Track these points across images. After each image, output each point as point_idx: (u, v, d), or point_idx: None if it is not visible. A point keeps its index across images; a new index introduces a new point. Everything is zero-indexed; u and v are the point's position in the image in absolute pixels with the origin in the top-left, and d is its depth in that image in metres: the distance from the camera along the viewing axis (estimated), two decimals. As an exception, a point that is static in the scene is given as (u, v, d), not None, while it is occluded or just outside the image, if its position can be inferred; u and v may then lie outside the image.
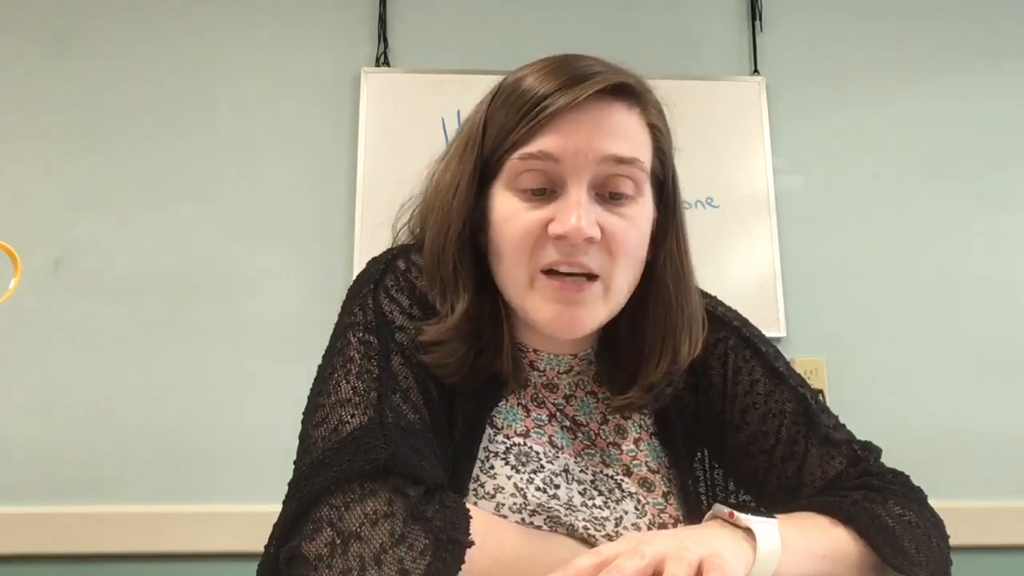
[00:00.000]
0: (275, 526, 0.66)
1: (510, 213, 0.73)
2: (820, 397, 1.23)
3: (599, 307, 0.74)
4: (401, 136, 1.89)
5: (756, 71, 2.02)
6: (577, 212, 0.70)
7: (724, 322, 0.87)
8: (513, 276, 0.74)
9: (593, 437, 0.82)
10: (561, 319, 0.73)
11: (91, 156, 1.85)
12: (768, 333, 0.92)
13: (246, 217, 1.85)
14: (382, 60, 1.95)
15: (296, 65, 1.94)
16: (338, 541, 0.60)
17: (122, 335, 1.76)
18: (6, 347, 1.73)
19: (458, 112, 1.90)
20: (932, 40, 2.08)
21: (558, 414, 0.82)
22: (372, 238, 1.82)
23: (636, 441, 0.83)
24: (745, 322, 0.89)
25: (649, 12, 2.05)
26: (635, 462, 0.82)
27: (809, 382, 0.88)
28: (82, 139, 1.86)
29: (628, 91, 0.74)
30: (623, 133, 0.73)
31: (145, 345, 1.76)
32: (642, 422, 0.85)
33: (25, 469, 1.68)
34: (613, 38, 2.01)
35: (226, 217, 1.85)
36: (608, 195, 0.73)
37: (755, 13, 2.05)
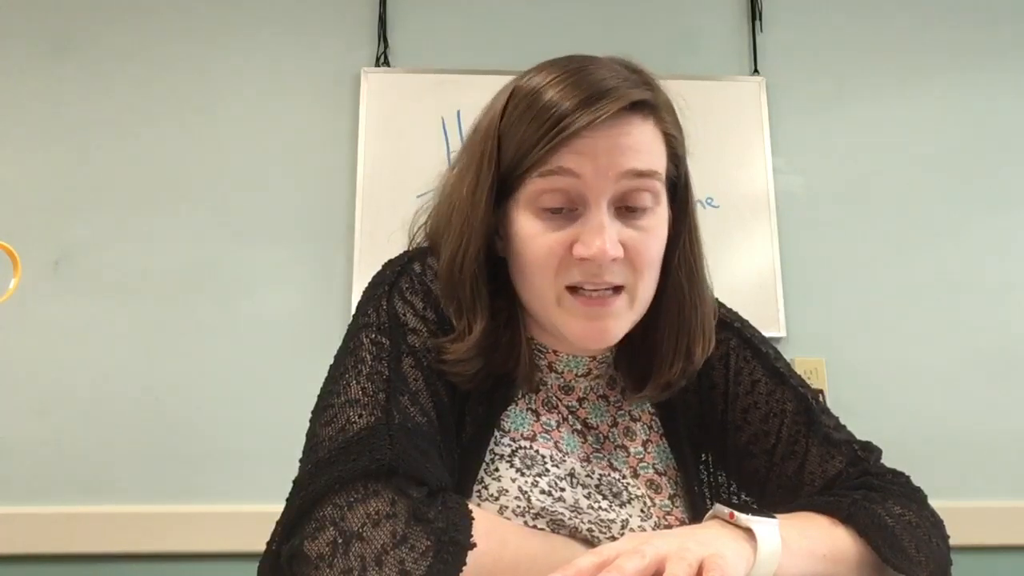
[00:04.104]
0: (278, 523, 0.66)
1: (533, 234, 0.73)
2: (820, 397, 1.23)
3: (626, 317, 0.75)
4: (401, 136, 1.89)
5: (756, 71, 2.03)
6: (601, 236, 0.70)
7: (725, 323, 0.87)
8: (538, 293, 0.75)
9: (602, 440, 0.82)
10: (590, 332, 0.74)
11: (91, 156, 1.85)
12: (768, 333, 0.93)
13: (246, 217, 1.85)
14: (382, 60, 1.95)
15: (296, 65, 1.94)
16: (340, 541, 0.60)
17: (122, 335, 1.76)
18: (6, 347, 1.73)
19: (458, 112, 1.90)
20: (932, 40, 2.08)
21: (570, 417, 0.82)
22: (372, 238, 1.82)
23: (644, 443, 0.84)
24: (745, 323, 0.90)
25: (649, 12, 2.05)
26: (642, 464, 0.82)
27: (809, 382, 0.88)
28: (82, 140, 1.86)
29: (643, 103, 0.74)
30: (640, 147, 0.73)
31: (145, 345, 1.76)
32: (652, 423, 0.85)
33: (25, 469, 1.68)
34: (613, 38, 2.01)
35: (226, 217, 1.85)
36: (627, 208, 0.73)
37: (755, 13, 2.05)
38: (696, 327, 0.80)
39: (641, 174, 0.72)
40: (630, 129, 0.72)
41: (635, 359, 0.82)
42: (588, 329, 0.73)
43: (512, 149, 0.74)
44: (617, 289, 0.74)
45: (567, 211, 0.73)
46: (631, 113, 0.73)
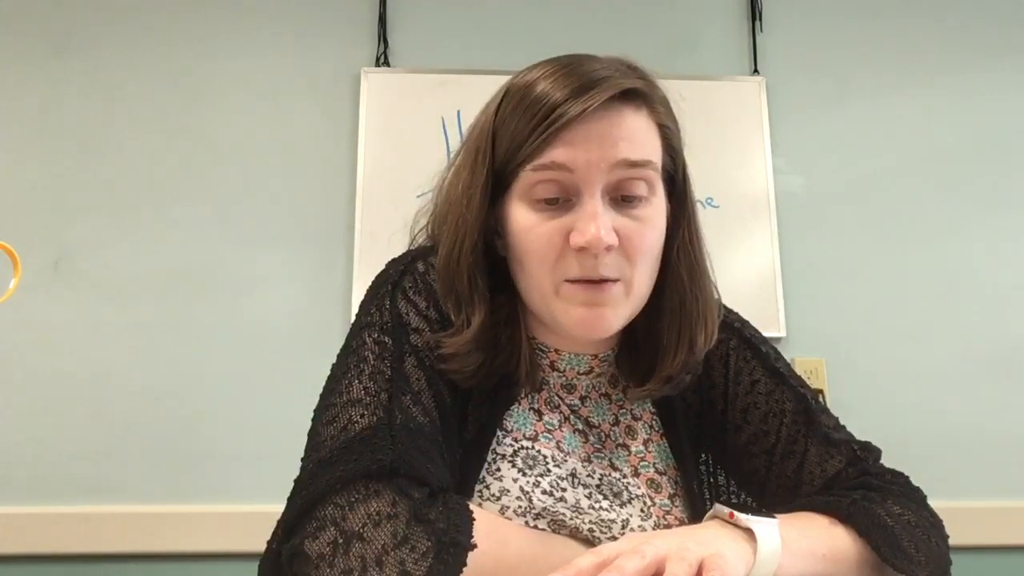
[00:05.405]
0: (279, 522, 0.66)
1: (529, 225, 0.73)
2: (820, 398, 1.23)
3: (622, 307, 0.75)
4: (401, 136, 1.89)
5: (756, 71, 2.03)
6: (595, 223, 0.70)
7: (725, 323, 0.87)
8: (537, 285, 0.75)
9: (604, 439, 0.82)
10: (587, 320, 0.73)
11: (91, 156, 1.85)
12: (768, 333, 0.93)
13: (246, 217, 1.85)
14: (382, 60, 1.95)
15: (296, 65, 1.94)
16: (340, 541, 0.61)
17: (122, 335, 1.76)
18: (6, 347, 1.73)
19: (458, 112, 1.90)
20: (932, 40, 2.08)
21: (571, 416, 0.82)
22: (372, 238, 1.83)
23: (645, 442, 0.84)
24: (745, 323, 0.90)
25: (649, 12, 2.05)
26: (643, 463, 0.82)
27: (809, 382, 0.88)
28: (82, 139, 1.86)
29: (635, 93, 0.74)
30: (633, 137, 0.73)
31: (145, 345, 1.76)
32: (652, 422, 0.85)
33: (25, 469, 1.68)
34: (613, 38, 2.01)
35: (226, 217, 1.85)
36: (621, 198, 0.73)
37: (755, 13, 2.05)
38: (697, 319, 0.80)
39: (634, 164, 0.72)
40: (622, 119, 0.72)
41: (637, 355, 0.82)
42: (586, 316, 0.73)
43: (506, 143, 0.74)
44: (614, 280, 0.74)
45: (562, 201, 0.73)
46: (623, 103, 0.73)
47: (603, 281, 0.72)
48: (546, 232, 0.73)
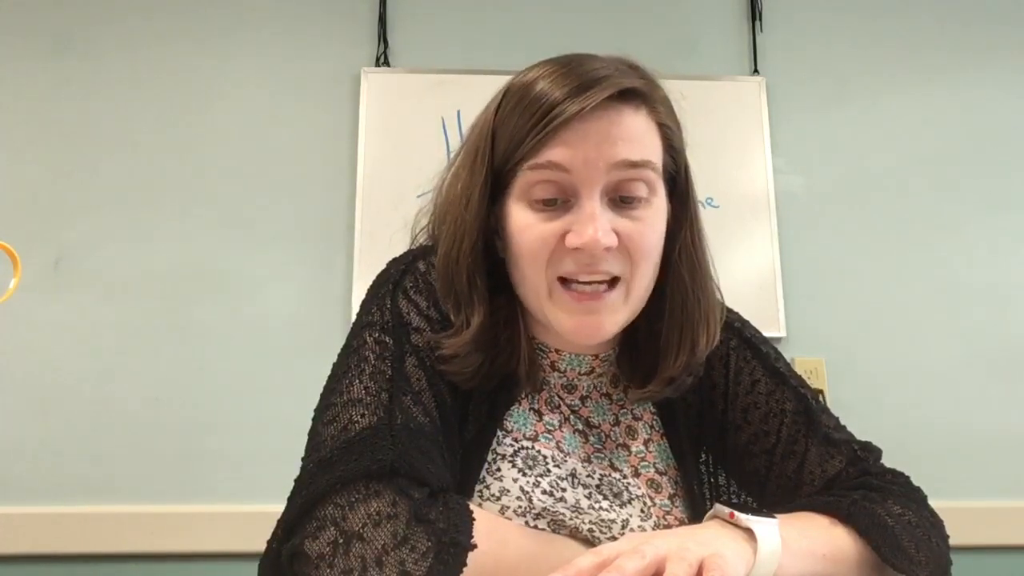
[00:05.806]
0: (279, 522, 0.66)
1: (525, 225, 0.73)
2: (820, 398, 1.23)
3: (620, 311, 0.74)
4: (401, 136, 1.89)
5: (756, 71, 2.03)
6: (593, 224, 0.70)
7: (726, 323, 0.87)
8: (531, 285, 0.75)
9: (604, 439, 0.82)
10: (583, 328, 0.73)
11: (91, 156, 1.85)
12: (768, 333, 0.93)
13: (246, 217, 1.85)
14: (382, 60, 1.95)
15: (296, 65, 1.94)
16: (340, 541, 0.61)
17: (122, 335, 1.76)
18: (6, 347, 1.73)
19: (458, 112, 1.90)
20: (932, 40, 2.08)
21: (572, 416, 0.82)
22: (372, 238, 1.83)
23: (646, 442, 0.84)
24: (745, 323, 0.90)
25: (649, 12, 2.05)
26: (644, 463, 0.82)
27: (809, 382, 0.88)
28: (82, 139, 1.86)
29: (634, 92, 0.73)
30: (632, 137, 0.72)
31: (145, 345, 1.76)
32: (653, 422, 0.85)
33: (25, 469, 1.68)
34: (613, 38, 2.01)
35: (226, 217, 1.85)
36: (620, 199, 0.73)
37: (755, 13, 2.05)
38: (699, 320, 0.79)
39: (634, 164, 0.72)
40: (621, 119, 0.72)
41: (638, 355, 0.82)
42: (581, 324, 0.73)
43: (504, 142, 0.74)
44: (612, 283, 0.73)
45: (560, 203, 0.72)
46: (622, 103, 0.72)
47: (600, 283, 0.72)
48: (542, 232, 0.72)
